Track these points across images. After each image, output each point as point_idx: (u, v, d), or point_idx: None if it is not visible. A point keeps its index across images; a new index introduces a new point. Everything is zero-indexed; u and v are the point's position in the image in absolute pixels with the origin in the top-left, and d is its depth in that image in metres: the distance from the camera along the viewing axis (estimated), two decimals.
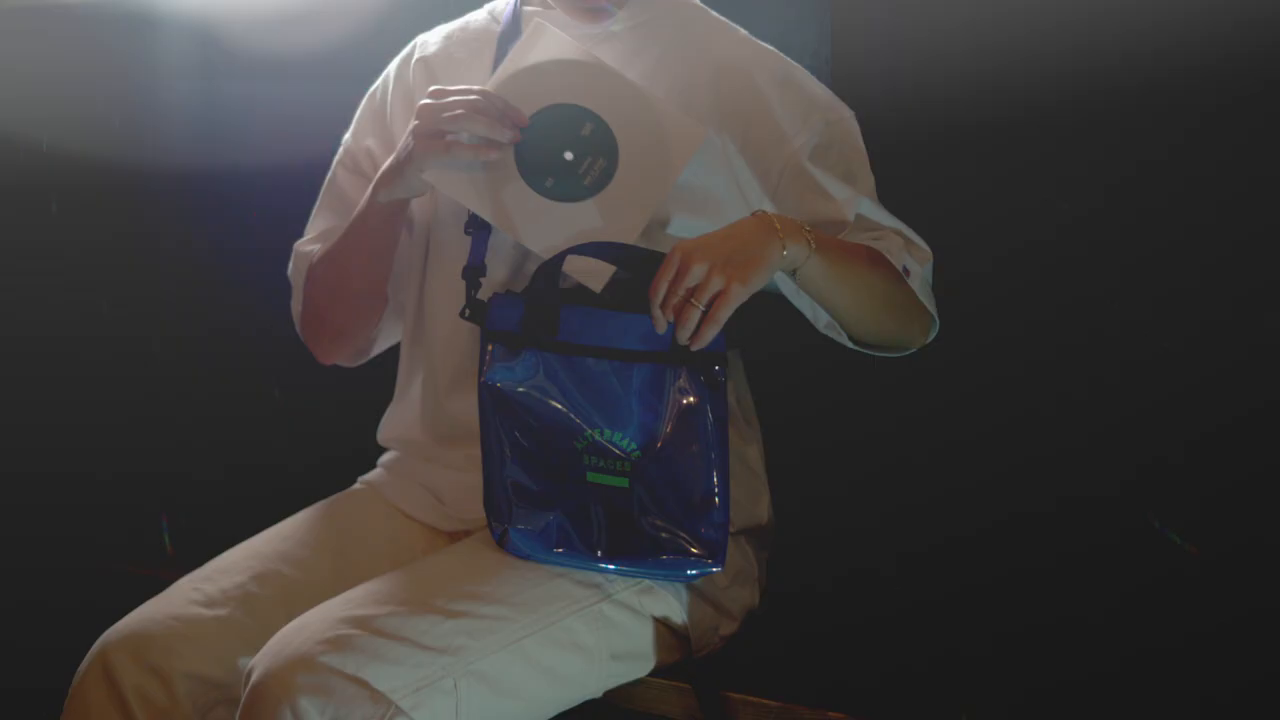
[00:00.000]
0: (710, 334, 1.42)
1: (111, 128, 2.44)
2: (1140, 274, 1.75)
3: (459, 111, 1.52)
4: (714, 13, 1.73)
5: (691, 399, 1.52)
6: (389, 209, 1.62)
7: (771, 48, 1.69)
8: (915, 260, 1.60)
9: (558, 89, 1.57)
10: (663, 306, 1.42)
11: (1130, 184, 1.75)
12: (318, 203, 1.79)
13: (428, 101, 1.54)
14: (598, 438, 1.52)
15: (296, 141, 2.06)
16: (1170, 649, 1.70)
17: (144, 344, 2.48)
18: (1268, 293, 1.68)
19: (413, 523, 1.72)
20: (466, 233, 1.61)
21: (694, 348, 1.43)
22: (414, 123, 1.54)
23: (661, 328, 1.44)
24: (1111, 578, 1.77)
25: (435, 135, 1.52)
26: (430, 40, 1.77)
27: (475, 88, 1.54)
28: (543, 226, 1.55)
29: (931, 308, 1.62)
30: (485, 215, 1.56)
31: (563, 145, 1.56)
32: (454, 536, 1.69)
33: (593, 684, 1.56)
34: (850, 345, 1.62)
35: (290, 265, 1.78)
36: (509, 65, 1.58)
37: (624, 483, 1.52)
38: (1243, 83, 1.67)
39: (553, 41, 1.58)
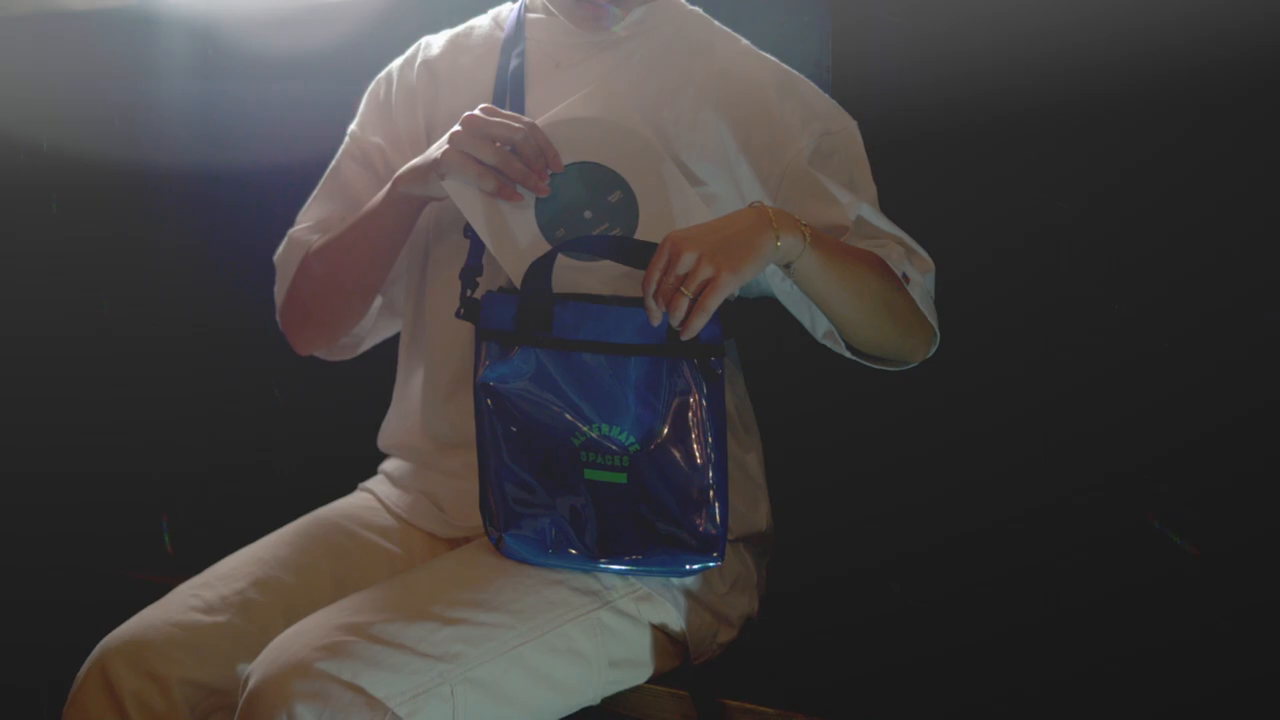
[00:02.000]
0: (699, 322, 1.41)
1: (111, 128, 2.44)
2: (1140, 274, 1.75)
3: (499, 147, 1.51)
4: (717, 22, 1.72)
5: (689, 392, 1.51)
6: (405, 206, 1.61)
7: (773, 58, 1.69)
8: (916, 269, 1.59)
9: (603, 149, 1.55)
10: (655, 295, 1.42)
11: (1129, 184, 1.75)
12: (317, 190, 1.78)
13: (477, 116, 1.53)
14: (594, 434, 1.51)
15: (296, 141, 2.06)
16: (1170, 649, 1.69)
17: (144, 344, 2.48)
18: (1268, 292, 1.68)
19: (413, 530, 1.71)
20: (465, 236, 1.61)
21: (683, 336, 1.43)
22: (456, 129, 1.53)
23: (655, 319, 1.43)
24: (1111, 578, 1.76)
25: (470, 157, 1.52)
26: (435, 43, 1.77)
27: (524, 119, 1.54)
28: None
29: (933, 319, 1.61)
30: (484, 237, 1.55)
31: (586, 203, 1.54)
32: (454, 544, 1.69)
33: (591, 691, 1.55)
34: (849, 355, 1.61)
35: (280, 250, 1.76)
36: (570, 108, 1.56)
37: (621, 478, 1.51)
38: (1242, 83, 1.66)
39: (621, 105, 1.56)
